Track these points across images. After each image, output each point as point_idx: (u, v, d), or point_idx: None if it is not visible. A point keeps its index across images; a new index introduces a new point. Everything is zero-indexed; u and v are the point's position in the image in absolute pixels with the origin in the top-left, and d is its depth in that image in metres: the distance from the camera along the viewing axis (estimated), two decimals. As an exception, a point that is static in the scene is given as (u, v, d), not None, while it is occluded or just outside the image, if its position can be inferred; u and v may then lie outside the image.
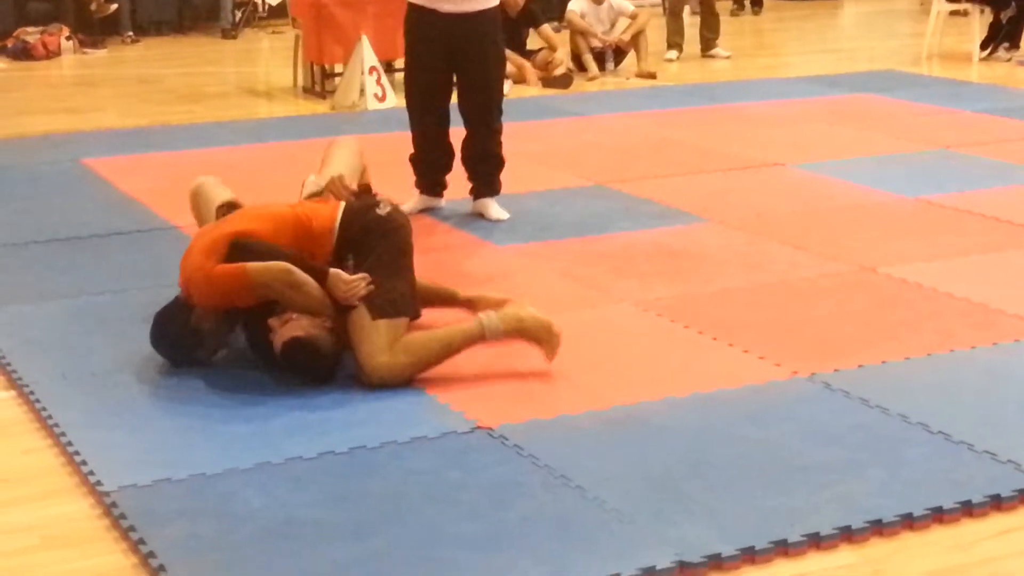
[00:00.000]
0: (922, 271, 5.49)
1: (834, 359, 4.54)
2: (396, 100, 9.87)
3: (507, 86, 10.43)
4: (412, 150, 6.61)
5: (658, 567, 3.21)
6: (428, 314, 4.66)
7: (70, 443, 3.96)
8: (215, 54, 13.14)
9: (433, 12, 6.23)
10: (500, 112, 6.46)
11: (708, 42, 12.26)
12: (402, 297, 4.44)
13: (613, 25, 11.47)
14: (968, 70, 11.37)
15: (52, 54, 12.63)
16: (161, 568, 3.23)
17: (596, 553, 3.28)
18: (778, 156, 7.76)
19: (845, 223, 6.31)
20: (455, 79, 6.37)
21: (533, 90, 10.60)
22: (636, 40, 11.30)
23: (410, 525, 3.45)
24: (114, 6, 13.54)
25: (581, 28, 11.38)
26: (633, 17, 11.39)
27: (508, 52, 10.83)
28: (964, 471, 3.71)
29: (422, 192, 6.61)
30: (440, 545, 3.34)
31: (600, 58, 11.37)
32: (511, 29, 10.93)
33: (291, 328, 4.34)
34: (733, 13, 15.41)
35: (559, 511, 3.53)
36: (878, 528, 3.41)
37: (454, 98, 6.46)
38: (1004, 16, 11.80)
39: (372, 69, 9.76)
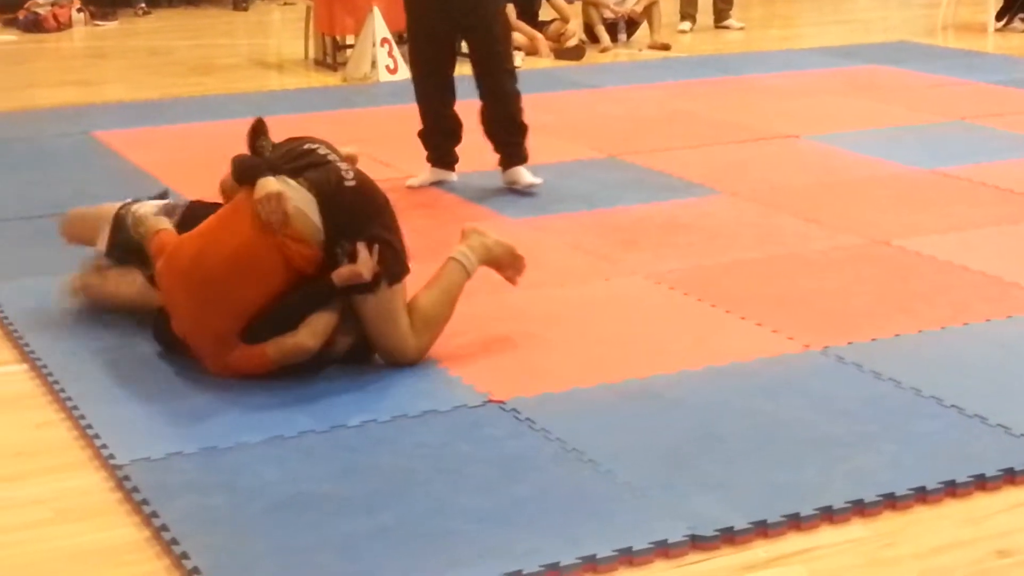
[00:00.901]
0: (936, 243, 5.47)
1: (847, 332, 4.52)
2: (407, 72, 9.85)
3: (519, 58, 10.42)
4: (420, 124, 6.57)
5: (670, 540, 3.20)
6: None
7: (83, 417, 3.96)
8: (226, 26, 13.12)
9: None
10: (514, 78, 6.42)
11: (721, 13, 12.21)
12: (397, 259, 4.25)
13: (626, -4, 11.44)
14: (983, 41, 11.31)
15: (63, 26, 12.61)
16: (173, 541, 3.23)
17: (608, 527, 3.28)
18: (792, 128, 7.73)
19: (859, 195, 6.29)
20: (462, 47, 6.34)
21: (545, 62, 10.57)
22: (649, 11, 11.26)
23: (421, 499, 3.45)
24: (126, -22, 13.54)
25: (593, -1, 11.34)
26: (646, -12, 11.35)
27: (520, 23, 10.83)
28: (977, 444, 3.70)
29: (433, 165, 6.59)
30: (451, 519, 3.34)
31: (612, 29, 11.33)
32: (524, 0, 10.91)
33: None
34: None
35: (571, 485, 3.52)
36: (891, 502, 3.40)
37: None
38: (1020, -14, 11.74)
39: (384, 41, 9.73)
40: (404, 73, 9.76)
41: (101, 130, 7.92)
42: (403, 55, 9.95)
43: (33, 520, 3.42)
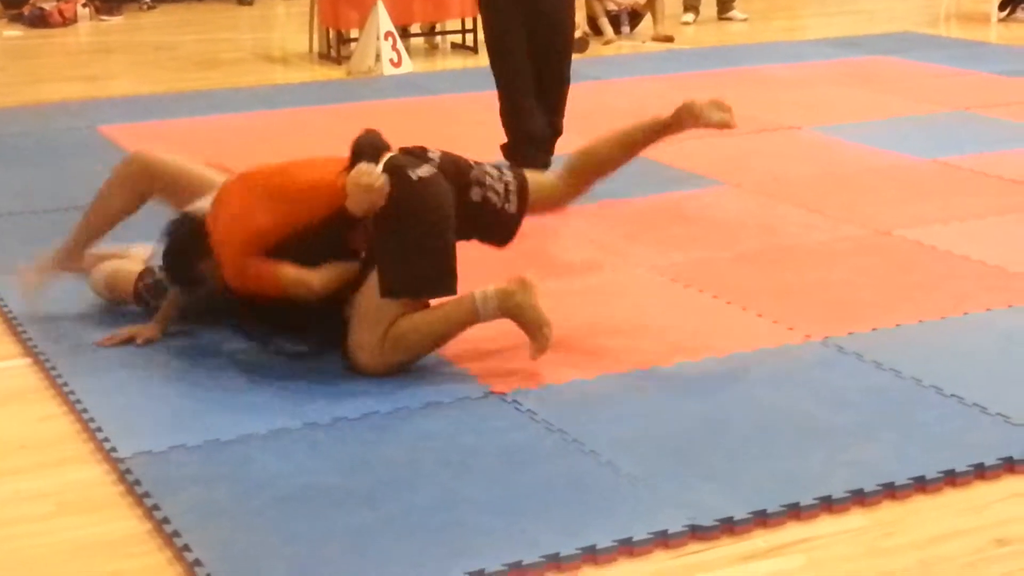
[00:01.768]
0: (938, 234, 5.47)
1: (848, 322, 4.53)
2: (411, 66, 9.87)
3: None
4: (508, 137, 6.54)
5: (670, 531, 3.21)
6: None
7: (85, 410, 3.98)
8: (231, 20, 13.13)
9: None
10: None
11: (725, 4, 12.20)
12: (421, 278, 4.15)
13: (629, -12, 11.43)
14: (986, 31, 11.30)
15: (68, 21, 12.64)
16: (175, 534, 3.25)
17: (610, 517, 3.29)
18: (795, 119, 7.73)
19: (861, 186, 6.29)
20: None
21: (549, 54, 10.55)
22: (652, 3, 11.25)
23: (424, 490, 3.46)
24: (130, -27, 13.57)
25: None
26: (649, -20, 11.35)
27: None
28: (977, 434, 3.71)
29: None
30: (454, 510, 3.35)
31: (616, 21, 11.33)
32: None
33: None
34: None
35: (573, 475, 3.54)
36: (890, 491, 3.40)
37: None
38: (1023, -23, 11.74)
39: (388, 34, 9.75)
40: (408, 67, 9.80)
41: (107, 124, 7.94)
42: (407, 48, 10.00)
43: (36, 513, 3.44)
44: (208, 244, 4.28)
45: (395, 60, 9.77)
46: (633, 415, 3.89)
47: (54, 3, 12.67)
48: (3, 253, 5.45)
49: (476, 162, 4.42)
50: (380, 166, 4.16)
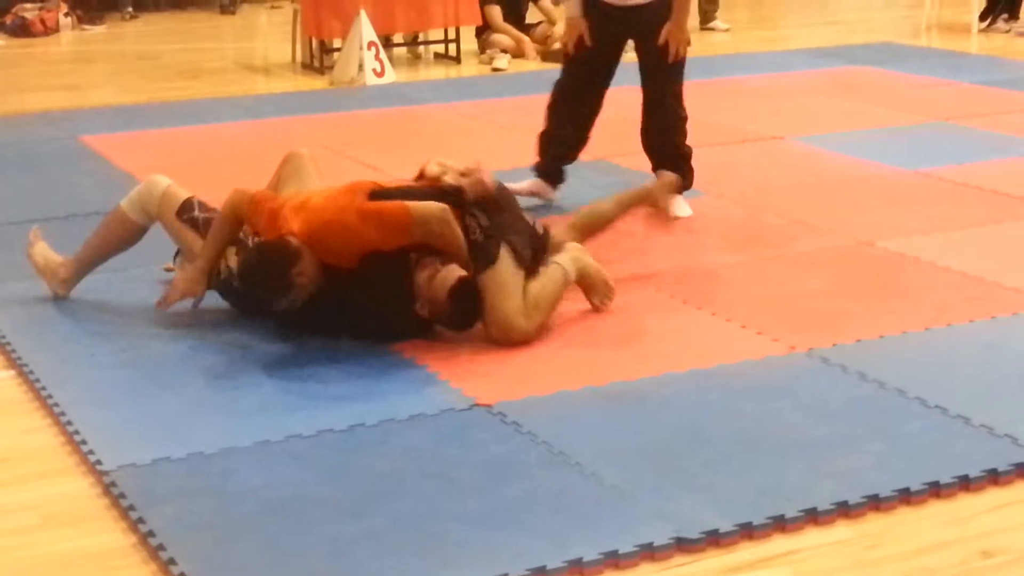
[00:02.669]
0: (920, 245, 5.49)
1: (832, 334, 4.54)
2: (394, 76, 9.87)
3: (505, 60, 10.45)
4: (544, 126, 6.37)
5: (656, 543, 3.22)
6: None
7: (70, 422, 3.97)
8: (213, 30, 13.12)
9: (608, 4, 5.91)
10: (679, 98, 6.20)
11: (707, 15, 12.22)
12: (523, 250, 4.63)
13: (612, -2, 11.44)
14: (967, 41, 11.34)
15: (50, 30, 12.61)
16: (160, 547, 3.24)
17: (594, 529, 3.30)
18: (777, 129, 7.75)
19: (843, 197, 6.31)
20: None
21: (532, 64, 10.57)
22: (635, 13, 11.25)
23: (409, 502, 3.46)
24: (113, -18, 13.55)
25: (580, 1, 11.34)
26: (632, -10, 11.36)
27: (506, 26, 10.85)
28: (961, 445, 3.72)
29: (538, 176, 6.35)
30: (439, 522, 3.35)
31: (599, 31, 11.32)
32: (510, 3, 10.93)
33: (451, 271, 4.45)
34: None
35: (557, 487, 3.54)
36: (875, 503, 3.41)
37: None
38: (1003, -13, 11.79)
39: (371, 44, 9.74)
40: (391, 77, 9.80)
41: (89, 134, 7.92)
42: (390, 58, 10.00)
43: (20, 526, 3.42)
44: (296, 253, 4.40)
45: (378, 70, 9.76)
46: (618, 427, 3.89)
47: (36, 12, 12.63)
48: (-15, 263, 5.45)
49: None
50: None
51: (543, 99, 8.88)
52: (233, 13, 14.07)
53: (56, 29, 12.68)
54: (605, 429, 3.87)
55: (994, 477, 3.55)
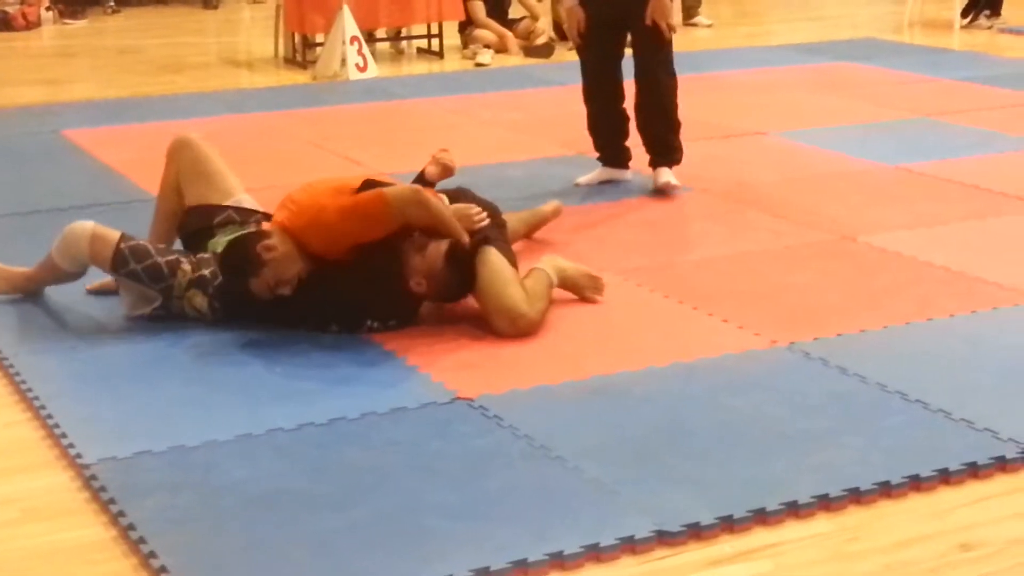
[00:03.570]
0: (902, 239, 5.51)
1: (813, 328, 4.55)
2: (377, 70, 9.87)
3: (488, 55, 10.45)
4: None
5: (637, 536, 3.22)
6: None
7: (50, 416, 3.96)
8: (196, 24, 13.09)
9: None
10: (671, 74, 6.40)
11: (690, 10, 12.24)
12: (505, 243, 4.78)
13: (595, -7, 11.44)
14: (949, 38, 11.37)
15: (32, 25, 12.58)
16: (141, 540, 3.24)
17: (576, 522, 3.30)
18: (760, 124, 7.77)
19: (826, 191, 6.32)
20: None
21: (515, 59, 10.59)
22: (618, 9, 11.26)
23: (391, 495, 3.46)
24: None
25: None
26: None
27: (490, 21, 10.85)
28: (941, 439, 3.73)
29: (604, 164, 6.54)
30: (421, 515, 3.35)
31: (582, 27, 11.32)
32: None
33: (439, 244, 4.50)
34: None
35: (539, 481, 3.54)
36: (855, 496, 3.42)
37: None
38: (985, -17, 11.82)
39: (353, 39, 9.74)
40: (373, 71, 9.79)
41: (71, 129, 7.91)
42: (372, 53, 9.99)
43: (0, 520, 3.41)
44: (260, 260, 4.43)
45: (361, 65, 9.76)
46: (599, 420, 3.89)
47: (18, 6, 12.59)
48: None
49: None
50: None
51: (527, 93, 8.95)
52: (215, 8, 14.05)
53: (38, 23, 12.65)
54: (587, 423, 3.88)
55: (974, 471, 3.56)
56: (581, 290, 4.86)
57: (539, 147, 7.31)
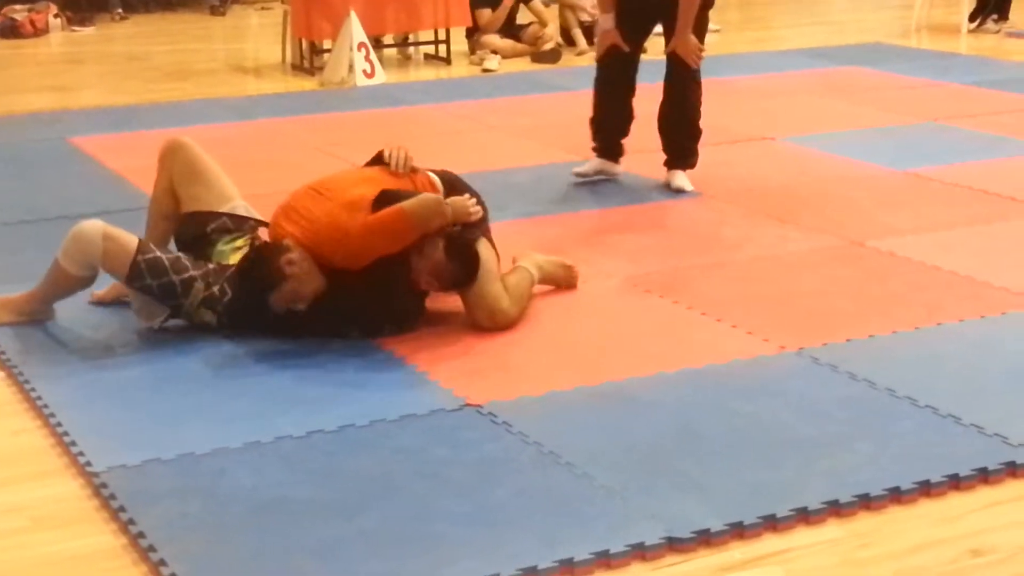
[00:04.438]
0: (910, 244, 5.50)
1: (822, 333, 4.55)
2: (385, 76, 9.87)
3: (496, 61, 10.45)
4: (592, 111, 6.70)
5: (647, 543, 3.21)
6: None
7: (59, 424, 3.96)
8: (203, 31, 13.11)
9: None
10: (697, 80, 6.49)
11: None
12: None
13: (602, -1, 11.44)
14: (957, 42, 11.36)
15: (40, 31, 12.60)
16: (151, 548, 3.24)
17: (585, 529, 3.29)
18: (768, 130, 7.76)
19: (834, 196, 6.32)
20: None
21: (523, 64, 10.58)
22: (625, 14, 11.26)
23: (400, 502, 3.45)
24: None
25: (570, 2, 11.36)
26: (622, -9, 11.36)
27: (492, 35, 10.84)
28: (951, 444, 3.72)
29: (600, 155, 6.70)
30: (430, 522, 3.35)
31: (589, 33, 11.31)
32: (501, 4, 10.92)
33: (435, 241, 4.52)
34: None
35: (548, 487, 3.54)
36: (865, 502, 3.42)
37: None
38: (993, -12, 11.81)
39: (360, 45, 9.74)
40: (381, 77, 9.79)
41: (78, 135, 7.91)
42: (380, 59, 9.99)
43: (9, 528, 3.41)
44: (282, 275, 4.44)
45: (368, 71, 9.76)
46: (608, 427, 3.89)
47: (26, 13, 12.61)
48: (-25, 265, 5.44)
49: None
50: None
51: (535, 99, 8.94)
52: (223, 14, 14.06)
53: (46, 30, 12.67)
54: (596, 429, 3.87)
55: (984, 476, 3.55)
56: (559, 281, 5.02)
57: (546, 153, 7.30)
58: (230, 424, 3.94)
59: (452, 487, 3.54)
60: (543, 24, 11.06)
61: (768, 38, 12.12)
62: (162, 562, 3.17)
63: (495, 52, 10.64)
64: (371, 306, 4.57)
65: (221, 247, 4.73)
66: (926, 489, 3.49)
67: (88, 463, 3.69)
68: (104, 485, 3.56)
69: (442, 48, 10.85)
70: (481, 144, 7.60)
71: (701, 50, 6.34)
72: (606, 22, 6.44)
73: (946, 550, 3.24)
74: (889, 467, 3.58)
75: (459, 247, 4.56)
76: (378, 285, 4.54)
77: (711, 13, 12.03)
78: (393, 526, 3.33)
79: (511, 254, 4.94)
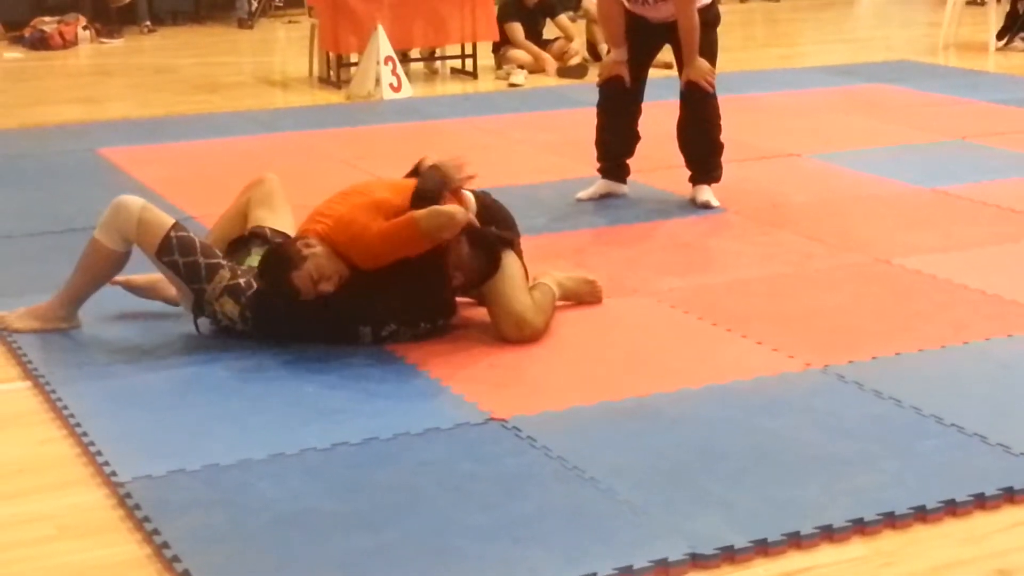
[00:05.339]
0: (937, 262, 5.48)
1: (848, 351, 4.54)
2: (411, 90, 9.90)
3: (523, 76, 10.47)
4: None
5: (670, 559, 3.21)
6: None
7: (85, 434, 3.98)
8: (231, 44, 13.17)
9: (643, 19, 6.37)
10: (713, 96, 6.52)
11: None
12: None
13: (629, 15, 11.44)
14: (984, 60, 11.33)
15: (69, 44, 12.67)
16: (175, 558, 3.24)
17: (609, 545, 3.29)
18: (794, 146, 7.75)
19: (860, 214, 6.31)
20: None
21: (549, 80, 10.60)
22: (652, 30, 11.26)
23: (423, 516, 3.46)
24: (131, -4, 13.60)
25: (597, 17, 11.36)
26: (649, 7, 11.36)
27: (524, 41, 10.87)
28: (977, 464, 3.71)
29: (604, 176, 6.69)
30: (453, 536, 3.35)
31: (616, 48, 11.33)
32: (528, 19, 10.95)
33: (458, 236, 4.61)
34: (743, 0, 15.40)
35: (572, 502, 3.53)
36: (890, 521, 3.40)
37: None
38: (1021, 6, 11.77)
39: (388, 59, 9.77)
40: (408, 91, 9.82)
41: (107, 147, 7.96)
42: (407, 73, 10.02)
43: (35, 537, 3.43)
44: (301, 255, 4.50)
45: (395, 85, 9.79)
46: (633, 442, 3.88)
47: (55, 26, 12.69)
48: (2, 275, 5.46)
49: None
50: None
51: (561, 114, 8.95)
52: (251, 27, 14.12)
53: (75, 42, 12.74)
54: (620, 444, 3.87)
55: (1010, 495, 3.53)
56: (581, 297, 5.03)
57: (572, 168, 7.30)
58: (254, 436, 3.95)
59: (476, 501, 3.54)
60: (569, 39, 11.08)
61: (793, 55, 12.11)
62: (187, 573, 3.18)
63: (521, 67, 10.65)
64: (404, 298, 4.61)
65: (256, 253, 4.76)
66: (951, 508, 3.47)
67: (113, 473, 3.70)
68: (129, 495, 3.57)
69: (468, 62, 10.87)
70: (507, 159, 7.61)
71: (712, 73, 6.36)
72: (618, 55, 6.47)
73: (971, 570, 3.22)
74: (914, 485, 3.56)
75: (480, 239, 4.63)
76: (412, 276, 4.59)
77: (734, 31, 11.96)
78: (416, 540, 3.33)
79: (534, 271, 4.94)
